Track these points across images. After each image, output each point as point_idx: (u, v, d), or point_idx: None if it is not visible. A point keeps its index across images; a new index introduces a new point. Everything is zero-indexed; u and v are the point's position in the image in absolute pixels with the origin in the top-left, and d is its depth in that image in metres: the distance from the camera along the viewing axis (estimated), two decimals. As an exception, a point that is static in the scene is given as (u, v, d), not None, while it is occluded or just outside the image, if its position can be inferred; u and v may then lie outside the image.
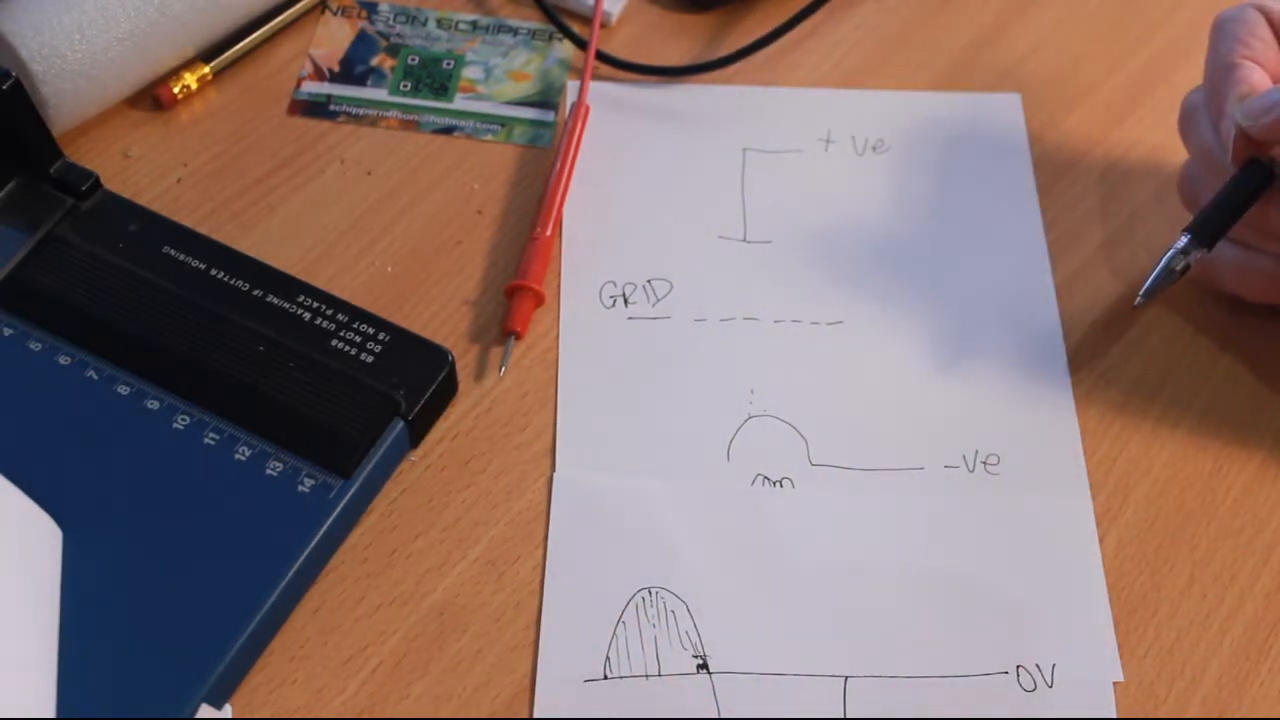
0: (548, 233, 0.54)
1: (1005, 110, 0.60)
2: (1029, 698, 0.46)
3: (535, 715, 0.45)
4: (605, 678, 0.46)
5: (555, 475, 0.50)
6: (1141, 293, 0.51)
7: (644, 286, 0.54)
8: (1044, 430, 0.51)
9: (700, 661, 0.46)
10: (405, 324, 0.51)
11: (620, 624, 0.46)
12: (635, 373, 0.52)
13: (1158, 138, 0.59)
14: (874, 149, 0.59)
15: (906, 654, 0.46)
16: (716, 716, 0.45)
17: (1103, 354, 0.53)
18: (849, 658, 0.46)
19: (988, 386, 0.52)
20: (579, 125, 0.58)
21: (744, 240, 0.56)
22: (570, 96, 0.60)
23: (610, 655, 0.46)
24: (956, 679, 0.46)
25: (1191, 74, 0.62)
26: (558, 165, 0.56)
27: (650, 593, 0.47)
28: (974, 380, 0.52)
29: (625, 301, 0.54)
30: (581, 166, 0.57)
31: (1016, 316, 0.54)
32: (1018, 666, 0.46)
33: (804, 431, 0.51)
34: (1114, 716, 0.45)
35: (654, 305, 0.54)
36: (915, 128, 0.59)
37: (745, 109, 0.60)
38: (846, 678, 0.46)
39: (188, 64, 0.59)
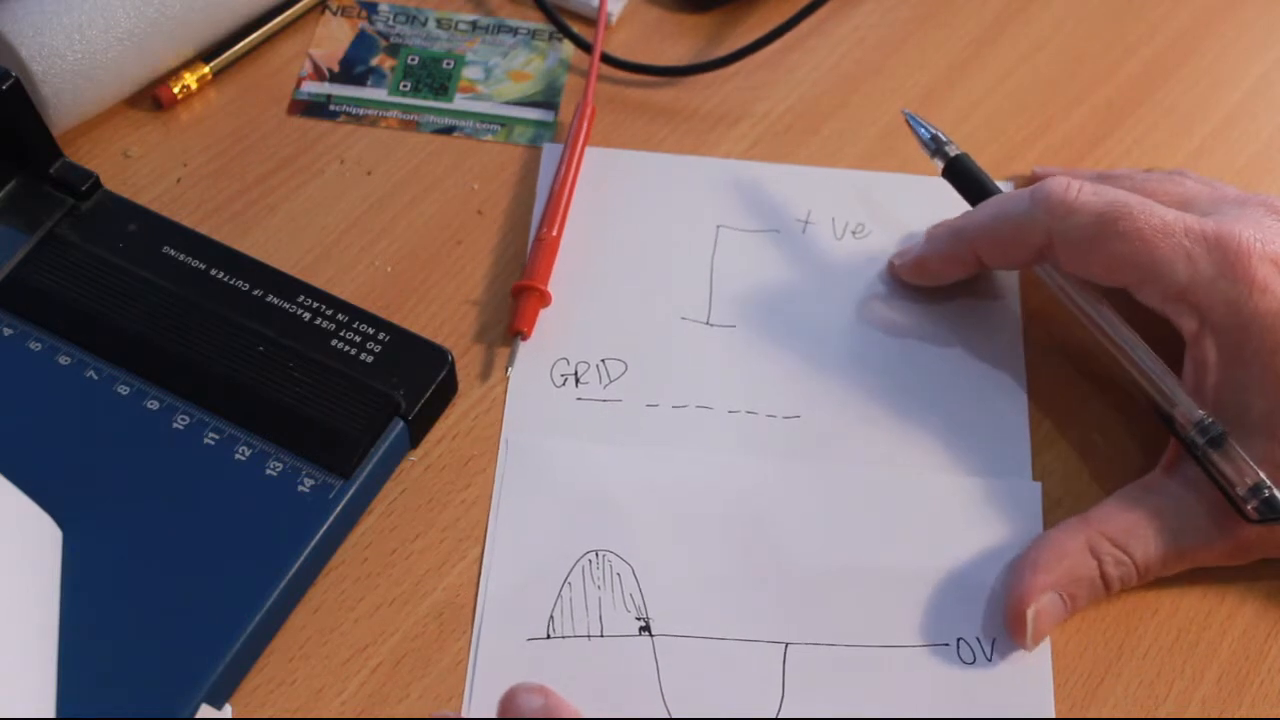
0: (554, 232, 0.54)
1: None
2: (968, 670, 0.46)
3: (476, 673, 0.45)
4: (548, 637, 0.46)
5: (504, 438, 0.50)
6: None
7: (597, 366, 0.52)
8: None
9: (643, 624, 0.47)
10: (405, 324, 0.51)
11: (566, 585, 0.47)
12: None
13: (1158, 137, 0.60)
14: (853, 233, 0.56)
15: (847, 623, 0.47)
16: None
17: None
18: (790, 625, 0.47)
19: (951, 496, 0.50)
20: (584, 125, 0.58)
21: (707, 323, 0.53)
22: (571, 96, 0.60)
23: (554, 615, 0.47)
24: (896, 649, 0.47)
25: (1191, 74, 0.62)
26: (563, 165, 0.56)
27: (597, 555, 0.48)
28: (935, 484, 0.50)
29: (577, 381, 0.52)
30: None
31: (990, 433, 0.51)
32: (958, 639, 0.47)
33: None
34: (1050, 690, 0.46)
35: (605, 387, 0.52)
36: (898, 212, 0.56)
37: (724, 183, 0.57)
38: (787, 644, 0.46)
39: (188, 64, 0.59)
